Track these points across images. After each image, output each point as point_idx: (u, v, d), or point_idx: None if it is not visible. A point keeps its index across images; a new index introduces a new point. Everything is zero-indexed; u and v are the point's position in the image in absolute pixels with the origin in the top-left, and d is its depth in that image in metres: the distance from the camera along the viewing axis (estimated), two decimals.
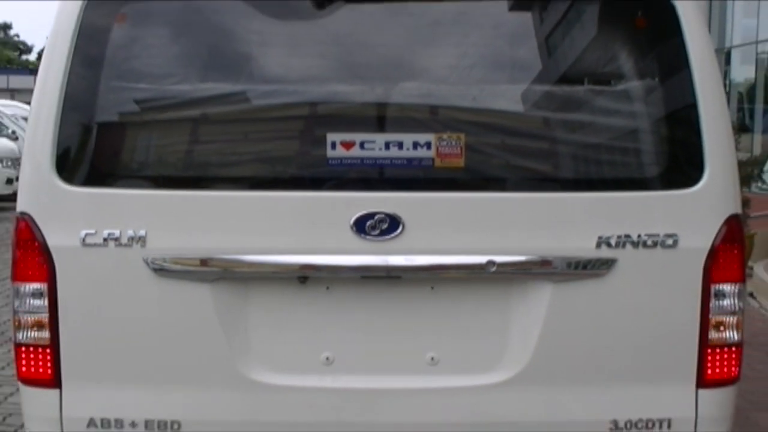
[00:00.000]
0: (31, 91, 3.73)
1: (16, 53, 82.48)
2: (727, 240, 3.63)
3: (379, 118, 3.70)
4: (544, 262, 3.57)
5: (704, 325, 3.64)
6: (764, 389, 7.50)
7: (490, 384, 3.63)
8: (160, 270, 3.55)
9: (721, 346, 3.68)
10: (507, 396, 3.63)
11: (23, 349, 3.66)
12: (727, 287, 3.65)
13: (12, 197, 3.79)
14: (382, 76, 3.71)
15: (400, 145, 3.57)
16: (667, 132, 3.69)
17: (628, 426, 3.66)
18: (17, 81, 57.94)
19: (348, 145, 3.56)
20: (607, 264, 3.58)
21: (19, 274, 3.64)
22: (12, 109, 27.92)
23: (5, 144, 22.35)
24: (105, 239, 3.56)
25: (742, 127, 18.20)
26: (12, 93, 50.76)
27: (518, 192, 3.63)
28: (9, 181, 19.85)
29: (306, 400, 3.64)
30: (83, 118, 3.63)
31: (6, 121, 24.94)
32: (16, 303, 3.65)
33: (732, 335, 3.68)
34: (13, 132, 23.68)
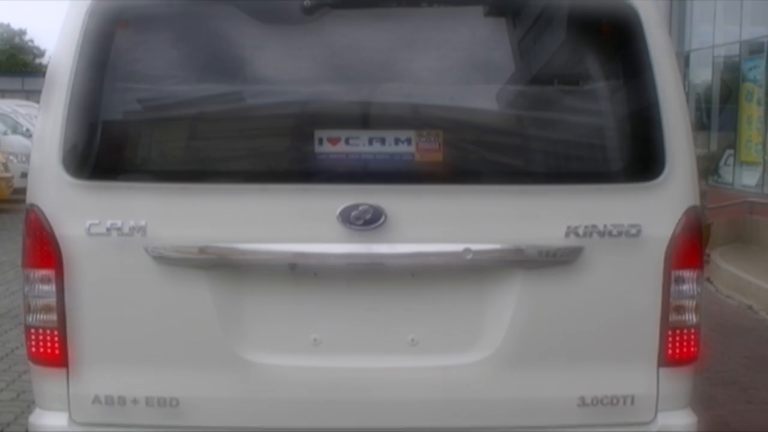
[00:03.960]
0: None
1: (31, 57, 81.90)
2: (687, 229, 3.62)
3: (363, 116, 3.68)
4: (517, 250, 3.55)
5: (665, 309, 3.63)
6: (720, 367, 7.53)
7: (466, 363, 3.61)
8: (160, 258, 3.52)
9: (681, 328, 3.67)
10: (481, 375, 3.61)
11: (32, 331, 3.64)
12: (686, 273, 3.65)
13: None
14: (366, 77, 3.69)
15: (383, 141, 3.55)
16: (630, 129, 3.67)
17: (594, 402, 3.65)
18: (31, 83, 57.41)
19: (334, 141, 3.54)
20: (575, 252, 3.56)
21: (29, 261, 3.62)
22: (26, 108, 27.82)
23: (20, 141, 22.32)
24: (108, 229, 3.53)
25: (700, 126, 18.22)
26: (26, 94, 50.48)
27: (492, 184, 3.61)
28: (24, 175, 19.73)
29: (295, 378, 3.62)
30: (88, 117, 3.59)
31: (21, 120, 24.88)
32: (26, 288, 3.63)
33: (691, 318, 3.68)
34: (27, 130, 23.61)
